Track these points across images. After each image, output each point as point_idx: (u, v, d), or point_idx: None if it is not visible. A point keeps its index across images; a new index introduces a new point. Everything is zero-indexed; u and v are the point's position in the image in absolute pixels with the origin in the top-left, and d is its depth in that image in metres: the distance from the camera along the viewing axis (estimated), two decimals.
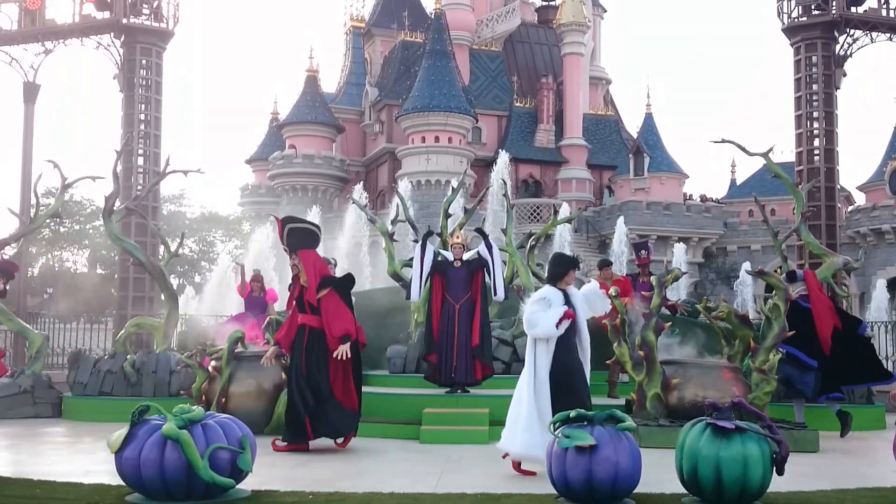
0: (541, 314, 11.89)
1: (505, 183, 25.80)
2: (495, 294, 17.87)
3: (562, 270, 12.31)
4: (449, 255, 18.02)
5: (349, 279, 14.84)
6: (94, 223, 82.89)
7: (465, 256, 17.79)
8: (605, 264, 20.50)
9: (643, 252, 20.19)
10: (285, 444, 14.42)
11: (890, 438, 11.36)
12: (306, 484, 10.91)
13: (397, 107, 72.57)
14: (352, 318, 14.34)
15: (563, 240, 60.07)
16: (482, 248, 17.80)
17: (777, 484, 9.87)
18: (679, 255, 62.60)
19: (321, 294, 14.30)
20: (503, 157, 64.41)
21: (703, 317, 17.54)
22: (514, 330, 20.55)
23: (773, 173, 19.04)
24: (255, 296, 22.15)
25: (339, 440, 14.67)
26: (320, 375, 14.26)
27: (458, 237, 18.08)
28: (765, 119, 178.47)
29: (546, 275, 12.80)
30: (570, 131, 76.10)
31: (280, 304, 22.80)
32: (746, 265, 51.05)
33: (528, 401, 11.66)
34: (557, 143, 76.07)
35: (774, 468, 9.70)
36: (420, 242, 17.80)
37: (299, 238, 14.55)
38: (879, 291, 52.23)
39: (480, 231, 18.68)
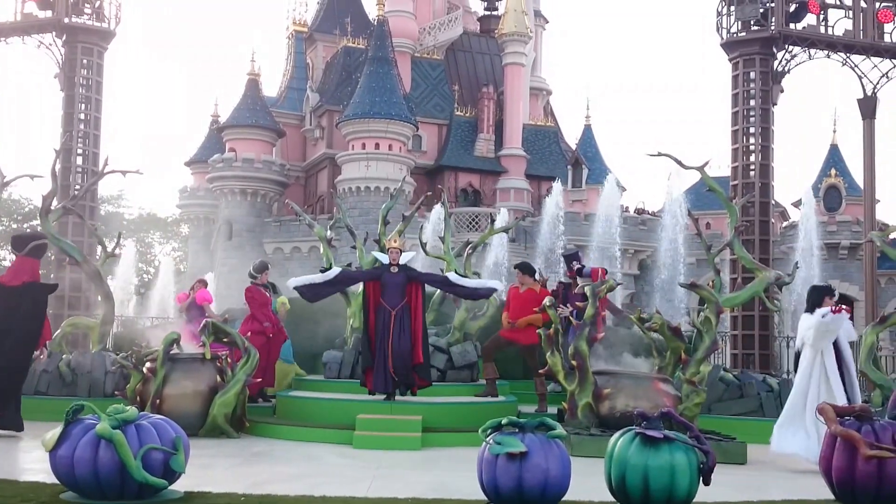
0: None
1: (442, 191, 25.84)
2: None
3: (819, 298, 14.74)
4: (385, 259, 17.60)
5: None
6: (32, 222, 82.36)
7: (402, 260, 17.40)
8: (524, 269, 19.62)
9: (574, 263, 20.20)
10: None
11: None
12: (239, 486, 10.97)
13: (338, 112, 72.49)
14: None
15: (500, 249, 60.27)
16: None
17: (703, 494, 10.00)
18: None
19: None
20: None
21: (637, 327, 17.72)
22: (449, 337, 20.61)
23: (708, 187, 19.23)
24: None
25: None
26: None
27: (395, 241, 17.77)
28: (703, 133, 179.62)
29: (806, 306, 15.02)
30: (509, 141, 76.28)
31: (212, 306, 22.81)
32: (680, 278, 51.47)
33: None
34: (497, 152, 76.23)
35: (701, 478, 9.83)
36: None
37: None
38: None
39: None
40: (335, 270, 17.78)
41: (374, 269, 17.97)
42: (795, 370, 15.40)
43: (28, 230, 20.11)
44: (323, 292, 17.75)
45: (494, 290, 18.15)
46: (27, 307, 16.54)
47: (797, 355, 15.07)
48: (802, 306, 15.57)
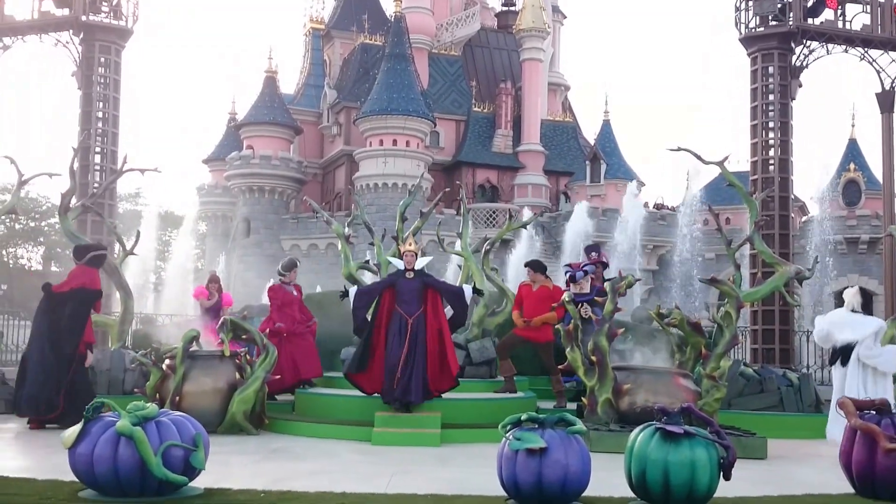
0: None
1: (461, 188, 25.78)
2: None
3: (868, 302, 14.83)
4: (400, 264, 16.81)
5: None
6: (50, 220, 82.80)
7: (418, 265, 16.64)
8: (536, 267, 19.23)
9: (594, 254, 20.17)
10: None
11: (836, 446, 11.54)
12: (259, 482, 10.96)
13: (356, 109, 72.57)
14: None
15: (520, 245, 60.28)
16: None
17: (724, 489, 9.97)
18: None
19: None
20: None
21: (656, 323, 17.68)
22: (467, 334, 20.53)
23: (727, 182, 19.14)
24: (211, 300, 22.00)
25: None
26: None
27: (410, 245, 17.00)
28: (723, 128, 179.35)
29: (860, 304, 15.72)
30: (527, 137, 76.31)
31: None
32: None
33: None
34: (515, 148, 76.22)
35: (722, 473, 9.79)
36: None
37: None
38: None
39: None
40: (351, 293, 17.14)
41: (389, 277, 17.41)
42: (829, 362, 15.67)
43: (91, 241, 20.83)
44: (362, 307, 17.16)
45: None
46: (70, 310, 17.32)
47: (843, 350, 15.04)
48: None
